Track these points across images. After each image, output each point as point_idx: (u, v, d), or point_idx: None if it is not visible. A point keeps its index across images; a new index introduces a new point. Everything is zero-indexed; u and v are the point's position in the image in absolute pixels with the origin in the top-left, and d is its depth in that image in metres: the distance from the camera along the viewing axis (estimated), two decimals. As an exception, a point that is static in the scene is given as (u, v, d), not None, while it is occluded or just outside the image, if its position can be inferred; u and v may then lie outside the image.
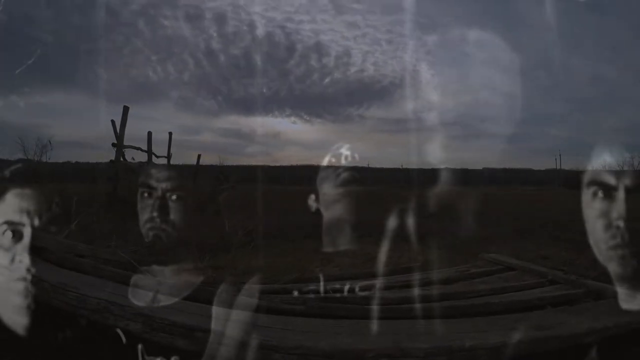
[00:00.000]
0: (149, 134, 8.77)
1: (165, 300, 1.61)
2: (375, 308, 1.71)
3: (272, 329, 1.47)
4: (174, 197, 1.75)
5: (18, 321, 1.45)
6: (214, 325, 1.40)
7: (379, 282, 2.15)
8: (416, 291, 2.10)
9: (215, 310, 1.50)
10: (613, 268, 1.57)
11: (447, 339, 1.44)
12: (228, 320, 1.44)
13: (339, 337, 1.45)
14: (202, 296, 1.65)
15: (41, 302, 1.49)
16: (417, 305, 1.78)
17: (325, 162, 1.93)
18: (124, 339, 1.41)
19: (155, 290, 1.64)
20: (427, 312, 1.70)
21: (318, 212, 1.94)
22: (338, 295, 1.97)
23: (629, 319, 1.55)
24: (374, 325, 1.57)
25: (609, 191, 1.54)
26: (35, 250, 1.55)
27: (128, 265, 2.00)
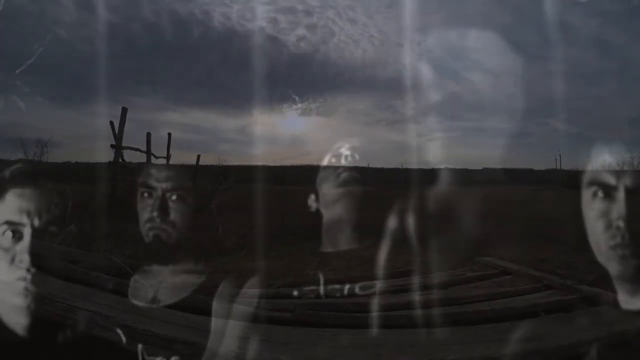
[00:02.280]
0: (148, 134, 8.77)
1: (164, 302, 1.62)
2: (364, 316, 1.71)
3: (250, 339, 1.44)
4: (174, 197, 1.75)
5: (18, 321, 1.45)
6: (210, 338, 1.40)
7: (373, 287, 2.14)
8: (409, 297, 2.09)
9: (203, 320, 1.51)
10: (613, 268, 1.57)
11: (430, 351, 1.41)
12: (216, 333, 1.44)
13: (316, 349, 1.43)
14: (189, 304, 1.65)
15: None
16: (407, 313, 1.78)
17: (325, 162, 1.93)
18: (124, 340, 1.40)
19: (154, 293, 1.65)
20: (416, 321, 1.68)
21: (317, 213, 1.95)
22: (329, 300, 1.97)
23: (623, 328, 1.53)
24: (359, 335, 1.55)
25: (609, 191, 1.54)
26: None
27: (122, 270, 2.01)
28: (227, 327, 1.46)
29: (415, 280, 2.47)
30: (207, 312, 1.59)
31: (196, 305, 1.63)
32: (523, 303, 2.01)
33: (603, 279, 1.69)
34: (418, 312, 1.77)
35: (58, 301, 1.55)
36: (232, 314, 1.55)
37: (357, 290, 2.03)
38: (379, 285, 2.18)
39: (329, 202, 1.92)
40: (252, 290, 1.83)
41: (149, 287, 1.71)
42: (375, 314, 1.74)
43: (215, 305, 1.57)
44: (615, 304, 1.66)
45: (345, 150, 1.90)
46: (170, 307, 1.64)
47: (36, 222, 1.50)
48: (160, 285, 1.74)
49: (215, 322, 1.48)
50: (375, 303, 1.84)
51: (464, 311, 1.89)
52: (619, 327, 1.54)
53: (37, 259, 1.79)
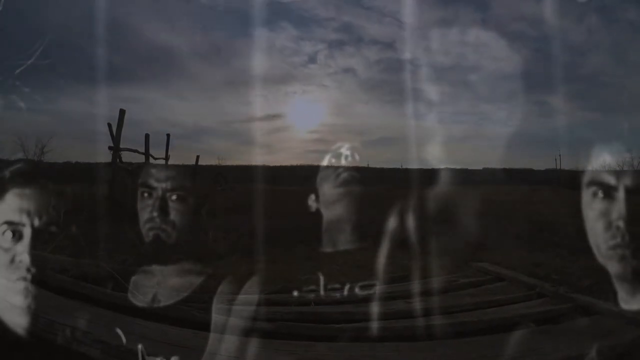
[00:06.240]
0: (147, 136, 8.74)
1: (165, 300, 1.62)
2: (345, 327, 1.72)
3: (217, 354, 1.44)
4: (174, 197, 1.75)
5: (19, 321, 1.44)
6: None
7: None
8: (398, 306, 2.09)
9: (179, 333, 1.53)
10: (613, 268, 1.57)
11: None
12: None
13: None
14: (171, 314, 1.66)
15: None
16: (390, 325, 1.78)
17: (325, 161, 1.93)
18: (124, 340, 1.40)
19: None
20: (398, 333, 1.69)
21: (316, 213, 1.94)
22: (317, 308, 1.98)
23: (613, 342, 1.53)
24: (332, 350, 1.55)
25: (609, 191, 1.54)
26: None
27: (113, 278, 2.00)
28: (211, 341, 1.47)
29: (408, 286, 2.47)
30: (187, 323, 1.63)
31: (177, 316, 1.65)
32: (512, 313, 2.00)
33: (599, 284, 1.67)
34: (403, 324, 1.78)
35: (40, 316, 1.54)
36: (217, 325, 1.56)
37: (357, 289, 2.02)
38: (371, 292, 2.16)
39: (329, 202, 1.92)
40: (242, 296, 1.82)
41: (142, 293, 1.71)
42: (358, 325, 1.74)
43: (200, 316, 1.58)
44: (609, 313, 1.65)
45: (345, 150, 1.89)
46: (152, 317, 1.66)
47: (36, 223, 1.49)
48: (155, 289, 1.74)
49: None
50: (362, 312, 1.85)
51: (451, 322, 1.87)
52: (611, 341, 1.53)
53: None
